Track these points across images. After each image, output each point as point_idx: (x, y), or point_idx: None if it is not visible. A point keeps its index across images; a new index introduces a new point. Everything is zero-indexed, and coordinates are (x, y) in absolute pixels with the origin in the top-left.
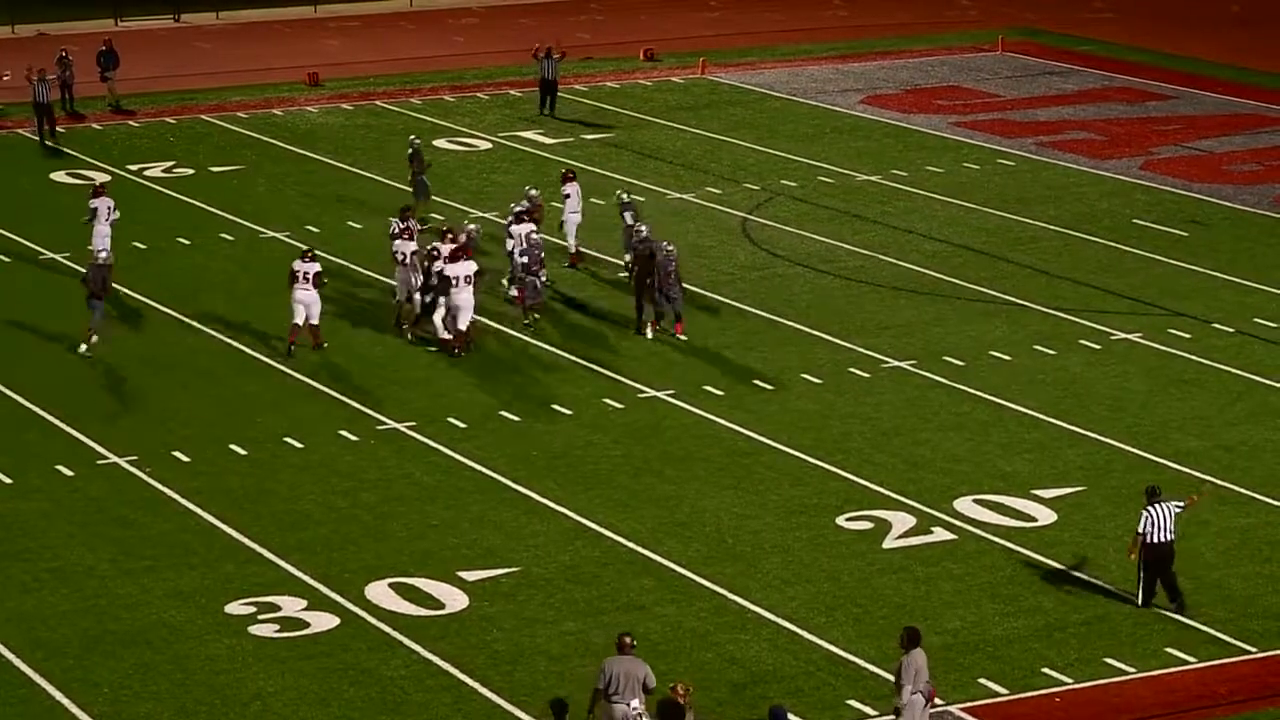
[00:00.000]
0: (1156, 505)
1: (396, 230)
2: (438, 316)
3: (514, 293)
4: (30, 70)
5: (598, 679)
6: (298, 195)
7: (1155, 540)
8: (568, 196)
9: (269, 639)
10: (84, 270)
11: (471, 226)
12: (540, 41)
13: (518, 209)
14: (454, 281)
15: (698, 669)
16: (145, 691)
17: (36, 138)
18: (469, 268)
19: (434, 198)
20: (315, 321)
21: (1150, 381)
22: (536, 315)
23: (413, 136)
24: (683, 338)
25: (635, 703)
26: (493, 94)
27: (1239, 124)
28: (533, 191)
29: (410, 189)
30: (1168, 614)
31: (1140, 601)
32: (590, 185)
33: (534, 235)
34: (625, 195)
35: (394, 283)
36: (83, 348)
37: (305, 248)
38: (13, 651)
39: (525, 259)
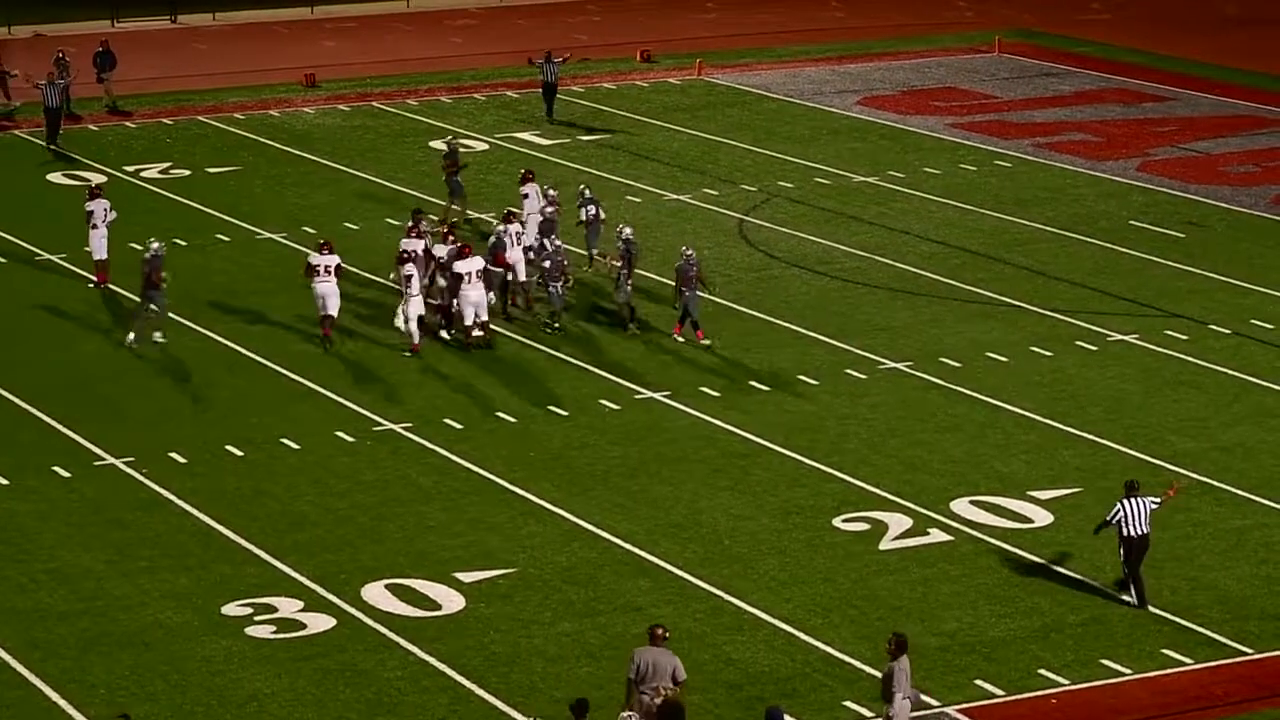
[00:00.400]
0: (1134, 499)
1: (442, 235)
2: (399, 321)
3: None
4: (34, 78)
5: (628, 669)
6: (294, 196)
7: (1130, 534)
8: (526, 197)
9: (265, 640)
10: (84, 274)
11: (501, 228)
12: (538, 46)
13: (544, 208)
14: (466, 278)
15: (694, 670)
16: (142, 692)
17: (44, 142)
18: (476, 264)
19: (432, 198)
20: (333, 314)
21: (1146, 383)
22: (556, 325)
23: (449, 137)
24: (680, 339)
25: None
26: (490, 95)
27: (1235, 125)
28: (552, 192)
29: (447, 190)
30: (1165, 615)
31: (1136, 602)
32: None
33: (557, 241)
34: (587, 190)
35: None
36: (157, 335)
37: (321, 240)
38: (9, 652)
39: (547, 264)
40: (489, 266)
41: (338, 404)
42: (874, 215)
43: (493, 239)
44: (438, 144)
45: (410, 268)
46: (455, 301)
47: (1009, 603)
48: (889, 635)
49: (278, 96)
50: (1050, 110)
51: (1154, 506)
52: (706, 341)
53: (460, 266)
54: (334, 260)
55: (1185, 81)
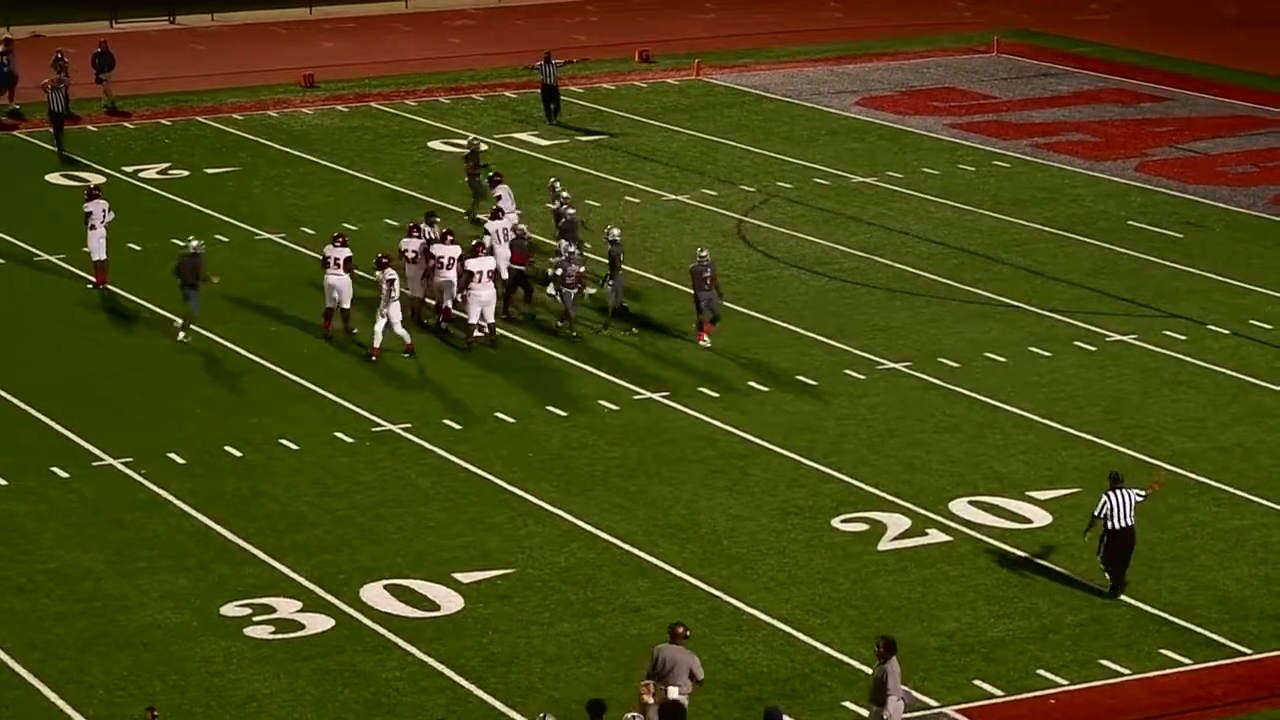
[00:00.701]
0: (1118, 491)
1: (441, 235)
2: (378, 326)
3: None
4: (47, 81)
5: (649, 664)
6: (293, 197)
7: (1115, 526)
8: (499, 198)
9: (264, 640)
10: (83, 274)
11: (521, 226)
12: (536, 47)
13: (556, 207)
14: (477, 277)
15: None
16: (140, 693)
17: (55, 148)
18: (488, 263)
19: (429, 199)
20: (346, 306)
21: (1145, 383)
22: (559, 324)
23: (472, 137)
24: (704, 343)
25: (674, 691)
26: (488, 96)
27: (1233, 125)
28: (565, 194)
29: (469, 190)
30: (1163, 615)
31: (1110, 592)
32: (586, 187)
33: (571, 248)
34: (557, 184)
35: (406, 292)
36: (180, 336)
37: (336, 233)
38: (8, 653)
39: (559, 271)
40: (511, 266)
41: (336, 404)
42: (872, 215)
43: (514, 237)
44: (437, 145)
45: (391, 272)
46: (462, 298)
47: (1008, 603)
48: (877, 638)
49: (276, 97)
50: (1048, 110)
51: (1139, 499)
52: (706, 343)
53: (473, 264)
54: (345, 253)
55: (1183, 82)
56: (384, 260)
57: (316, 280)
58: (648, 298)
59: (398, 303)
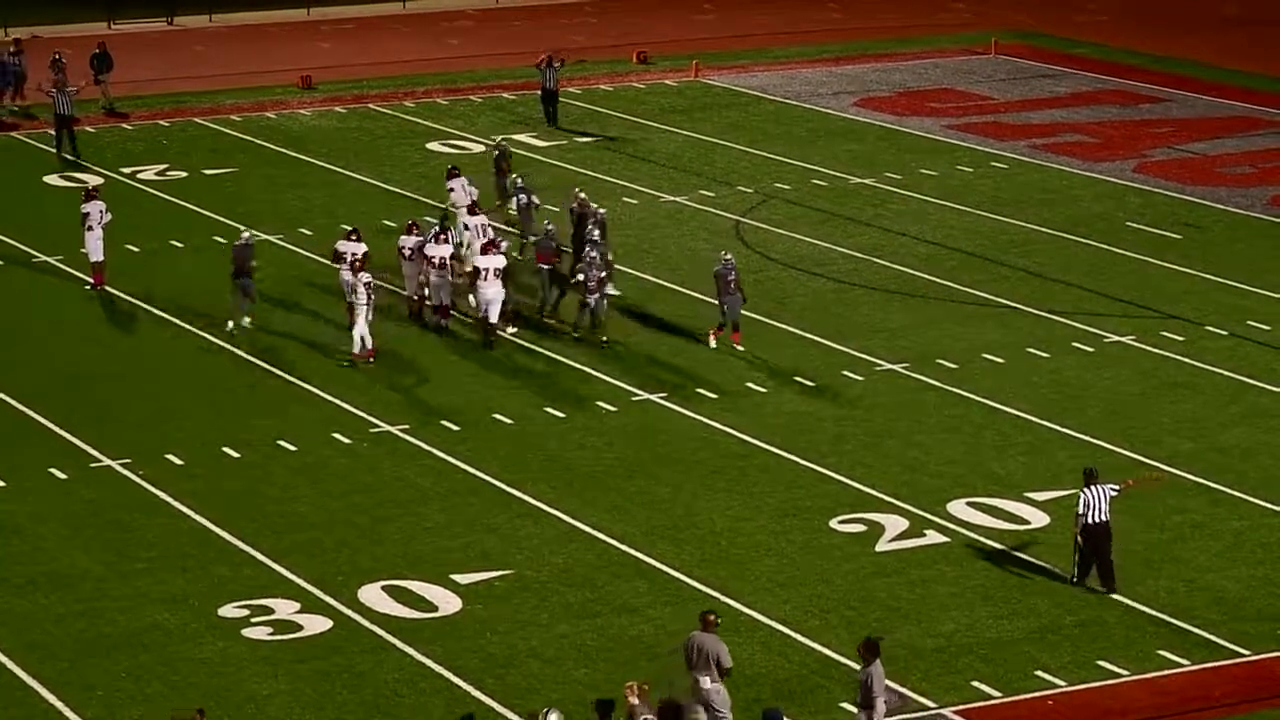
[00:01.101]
0: (1093, 487)
1: (433, 235)
2: (357, 332)
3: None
4: (46, 83)
5: (682, 652)
6: (291, 198)
7: (1091, 521)
8: (452, 190)
9: (262, 642)
10: (81, 275)
11: (552, 226)
12: (534, 48)
13: (575, 207)
14: (482, 274)
15: None
16: (139, 694)
17: (53, 149)
18: (498, 261)
19: (426, 199)
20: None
21: (1143, 384)
22: (604, 338)
23: (499, 138)
24: (740, 348)
25: (706, 679)
26: (486, 97)
27: (1232, 126)
28: (582, 194)
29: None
30: (1162, 616)
31: (1075, 579)
32: (584, 189)
33: (592, 254)
34: (520, 179)
35: (405, 291)
36: (246, 321)
37: (350, 228)
38: (6, 654)
39: (580, 276)
40: (539, 266)
41: (335, 405)
42: (870, 217)
43: (539, 238)
44: (435, 146)
45: (366, 275)
46: (469, 297)
47: (1006, 604)
48: (861, 641)
49: (274, 98)
50: (1046, 111)
51: (1113, 494)
52: (740, 347)
53: (481, 262)
54: (361, 248)
55: (1182, 83)
56: (359, 264)
57: (315, 280)
58: (646, 299)
59: (372, 306)
